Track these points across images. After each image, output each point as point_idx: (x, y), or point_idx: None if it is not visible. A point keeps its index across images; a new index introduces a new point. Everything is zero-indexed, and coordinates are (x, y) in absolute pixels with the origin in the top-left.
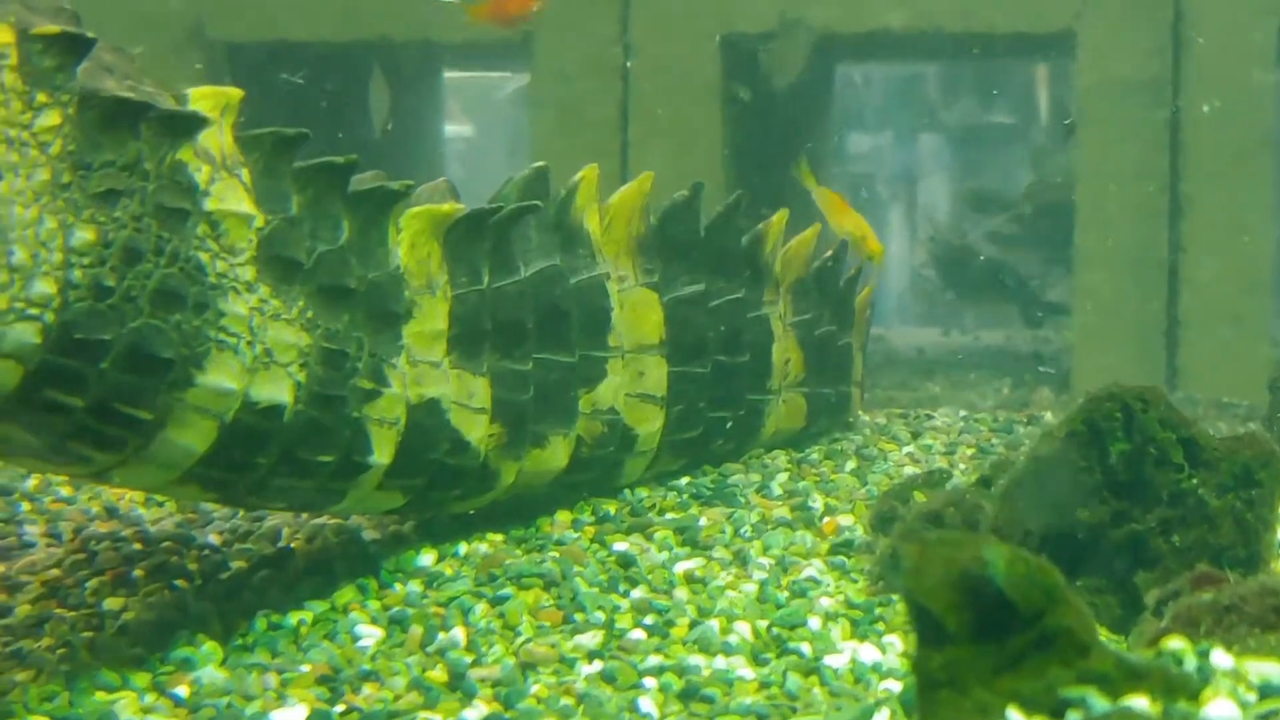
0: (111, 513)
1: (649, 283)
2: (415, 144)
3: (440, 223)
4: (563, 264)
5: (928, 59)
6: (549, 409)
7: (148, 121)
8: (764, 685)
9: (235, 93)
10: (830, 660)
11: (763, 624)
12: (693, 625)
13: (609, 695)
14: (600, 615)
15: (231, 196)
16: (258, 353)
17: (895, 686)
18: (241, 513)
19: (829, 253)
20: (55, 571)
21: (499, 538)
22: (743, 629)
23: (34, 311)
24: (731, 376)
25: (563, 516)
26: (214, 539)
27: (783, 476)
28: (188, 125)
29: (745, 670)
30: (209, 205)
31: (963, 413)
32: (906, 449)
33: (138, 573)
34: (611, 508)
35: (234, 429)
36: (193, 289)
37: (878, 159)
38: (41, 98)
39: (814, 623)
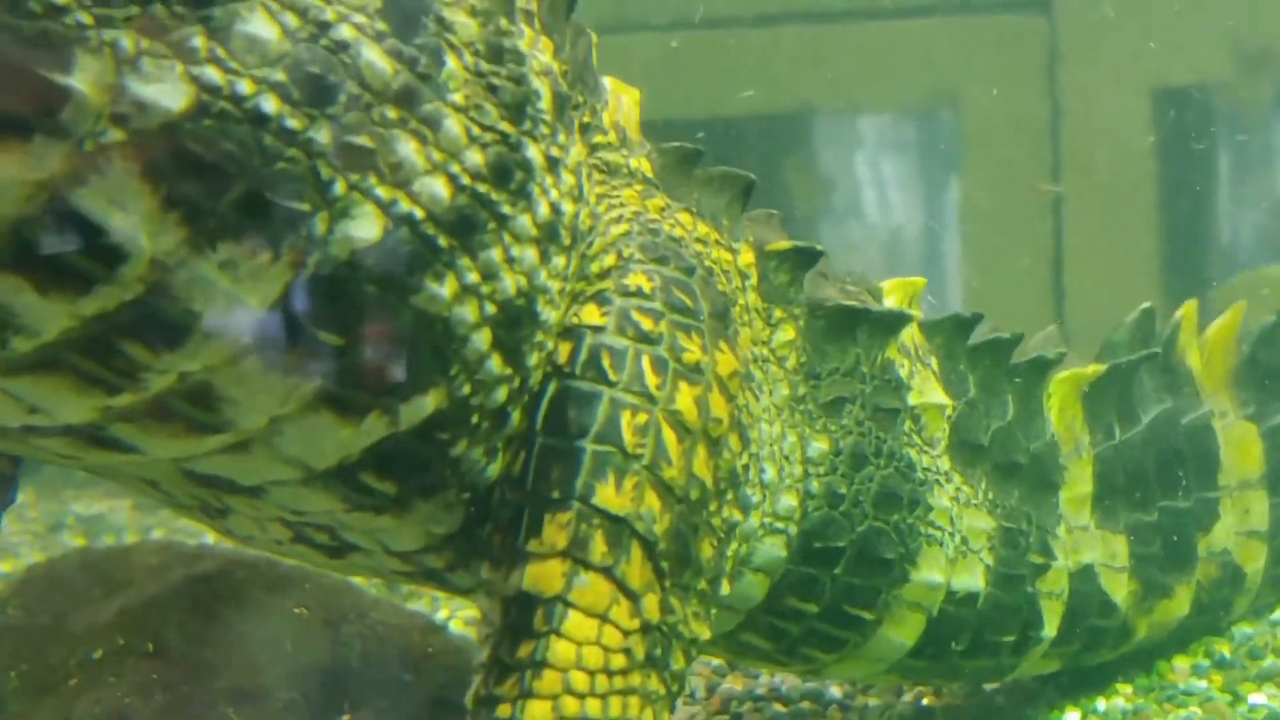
0: (733, 666)
1: (1246, 414)
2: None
3: (1083, 384)
4: (1173, 406)
5: None
6: (1173, 558)
7: (863, 325)
8: None
9: (919, 282)
10: None
11: None
12: None
13: None
14: None
15: (928, 388)
16: (957, 542)
17: None
18: None
19: None
20: None
21: (1128, 688)
22: None
23: (780, 525)
24: None
25: (1180, 661)
26: (835, 691)
27: None
28: (896, 324)
29: None
30: (912, 400)
31: None
32: None
33: None
34: (1224, 649)
35: (938, 620)
36: (906, 487)
37: None
38: (778, 313)
39: None
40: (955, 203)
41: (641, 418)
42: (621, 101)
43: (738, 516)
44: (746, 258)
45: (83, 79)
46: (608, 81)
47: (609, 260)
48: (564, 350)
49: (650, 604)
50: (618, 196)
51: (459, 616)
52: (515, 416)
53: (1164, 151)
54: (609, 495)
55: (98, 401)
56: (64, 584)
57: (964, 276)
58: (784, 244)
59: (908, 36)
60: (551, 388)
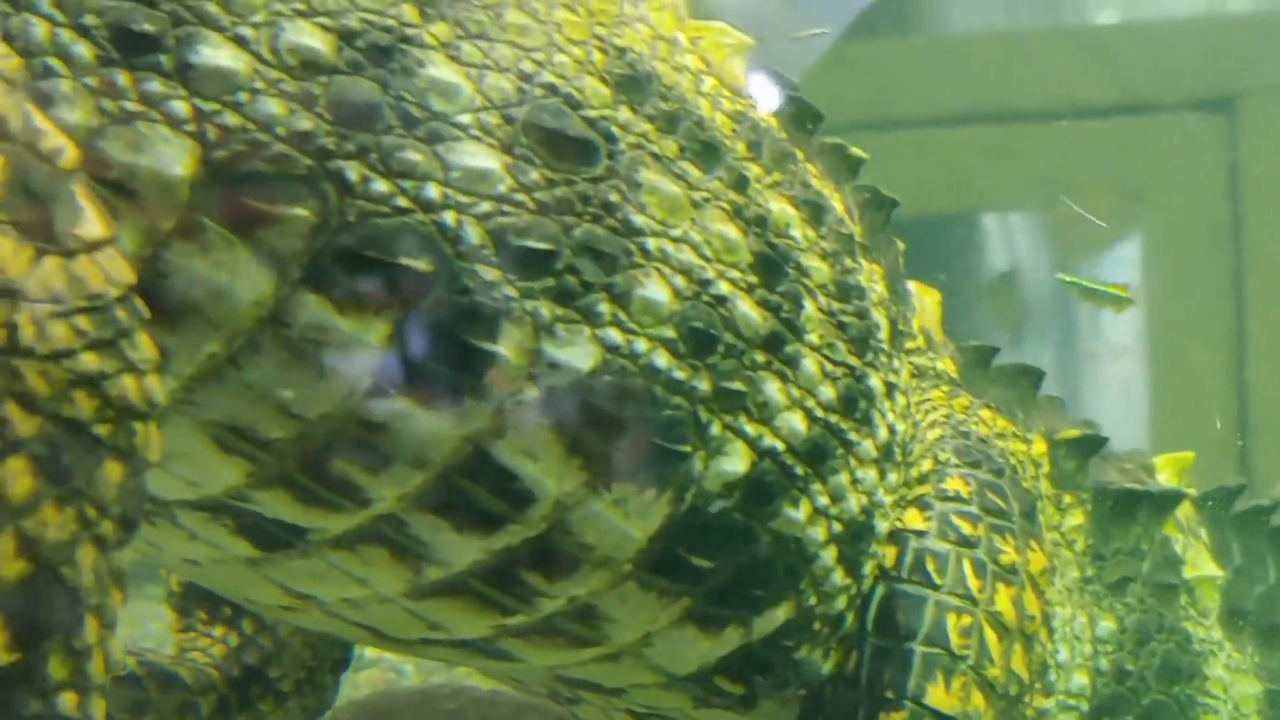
0: None
1: None
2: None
3: None
4: None
5: None
6: None
7: (1143, 505)
8: None
9: (1188, 457)
10: None
11: None
12: None
13: None
14: None
15: (1201, 560)
16: (1230, 709)
17: None
18: None
19: None
20: None
21: None
22: None
23: (1073, 702)
24: None
25: None
26: None
27: None
28: (1173, 502)
29: None
30: (1186, 573)
31: None
32: None
33: None
34: None
35: None
36: (1185, 659)
37: None
38: (1068, 499)
39: None
40: (1139, 300)
41: (965, 620)
42: (925, 304)
43: (1044, 703)
44: (1039, 448)
45: (507, 345)
46: (911, 285)
47: (927, 465)
48: (890, 554)
49: None
50: (929, 400)
51: None
52: (849, 619)
53: None
54: (939, 695)
55: (493, 621)
56: None
57: (1150, 374)
58: (1073, 432)
59: (1091, 137)
60: (880, 590)
